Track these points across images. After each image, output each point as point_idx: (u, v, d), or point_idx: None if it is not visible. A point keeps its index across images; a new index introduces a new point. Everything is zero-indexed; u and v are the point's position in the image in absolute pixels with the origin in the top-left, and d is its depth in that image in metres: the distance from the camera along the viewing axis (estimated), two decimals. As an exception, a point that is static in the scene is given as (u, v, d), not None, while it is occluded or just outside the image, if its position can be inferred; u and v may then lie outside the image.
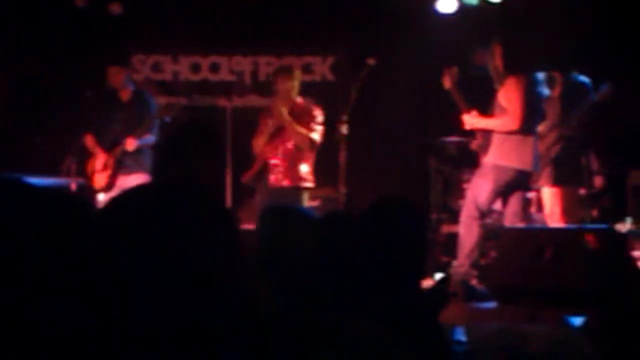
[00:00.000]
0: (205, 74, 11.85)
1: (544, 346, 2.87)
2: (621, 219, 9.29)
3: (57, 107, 10.70)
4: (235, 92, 10.76)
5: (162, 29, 11.44)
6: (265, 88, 11.72)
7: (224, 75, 11.82)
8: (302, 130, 8.90)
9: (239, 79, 11.74)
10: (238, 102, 11.19)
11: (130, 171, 9.32)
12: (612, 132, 10.14)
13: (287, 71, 9.32)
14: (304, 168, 9.00)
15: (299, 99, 9.14)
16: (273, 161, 9.07)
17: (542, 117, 8.49)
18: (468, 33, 9.93)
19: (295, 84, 9.10)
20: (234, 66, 11.84)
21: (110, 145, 9.33)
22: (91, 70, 10.14)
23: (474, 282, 7.77)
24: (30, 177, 1.66)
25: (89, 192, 9.38)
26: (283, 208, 3.93)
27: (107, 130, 9.41)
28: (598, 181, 9.73)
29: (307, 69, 11.57)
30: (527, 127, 8.07)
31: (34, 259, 1.53)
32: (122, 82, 9.45)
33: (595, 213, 9.57)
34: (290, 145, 9.01)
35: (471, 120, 8.35)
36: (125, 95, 9.49)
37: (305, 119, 9.00)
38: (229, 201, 9.94)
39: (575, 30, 9.96)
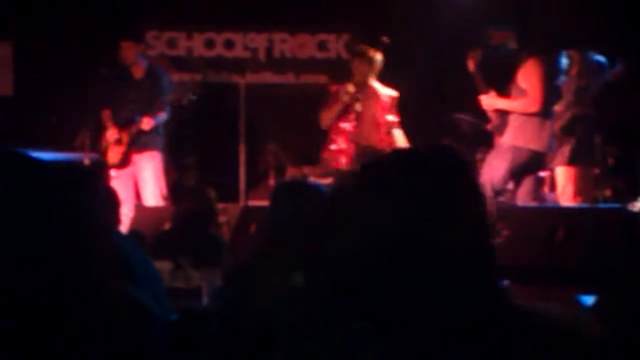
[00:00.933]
0: (219, 50, 11.83)
1: (555, 324, 2.86)
2: (634, 199, 9.26)
3: (72, 83, 10.71)
4: (250, 68, 10.74)
5: (177, 5, 11.43)
6: (279, 65, 11.72)
7: (238, 52, 11.80)
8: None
9: (253, 56, 11.73)
10: (252, 78, 11.18)
11: (143, 148, 9.34)
12: (626, 112, 10.09)
13: (363, 54, 9.06)
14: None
15: (378, 85, 9.09)
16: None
17: (558, 97, 8.46)
18: (483, 13, 9.89)
19: (372, 68, 9.00)
20: (248, 42, 11.83)
21: (125, 121, 9.33)
22: (105, 46, 10.14)
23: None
24: (43, 152, 1.64)
25: (101, 166, 9.39)
26: (300, 183, 3.93)
27: (121, 106, 9.41)
28: (610, 161, 9.70)
29: (321, 47, 11.56)
30: (546, 109, 8.05)
31: (32, 230, 1.53)
32: (134, 57, 9.44)
33: (608, 193, 9.55)
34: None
35: (489, 100, 8.33)
36: (138, 71, 9.48)
37: (378, 106, 8.98)
38: (242, 179, 9.95)
39: (592, 9, 9.92)
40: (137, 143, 9.34)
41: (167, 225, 7.49)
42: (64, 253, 1.53)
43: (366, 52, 9.02)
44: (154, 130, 9.35)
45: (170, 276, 5.61)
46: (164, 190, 9.41)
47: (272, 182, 9.80)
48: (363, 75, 8.90)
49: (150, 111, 9.27)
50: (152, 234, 7.30)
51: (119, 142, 9.34)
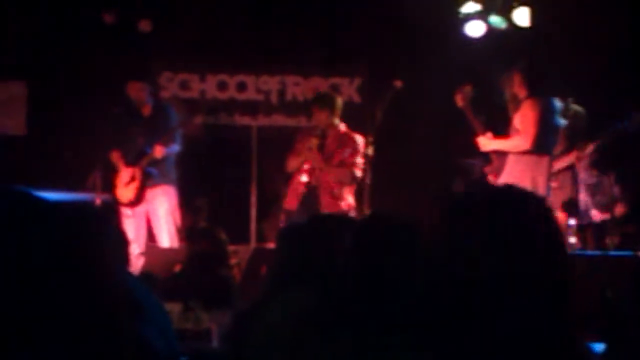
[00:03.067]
0: (232, 93, 11.86)
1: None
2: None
3: (84, 122, 10.75)
4: (262, 111, 10.77)
5: (190, 48, 11.48)
6: (291, 108, 11.75)
7: (251, 94, 11.84)
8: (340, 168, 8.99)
9: (266, 99, 11.77)
10: (264, 121, 11.22)
11: (156, 183, 9.36)
12: (634, 159, 10.09)
13: (321, 101, 9.41)
14: (348, 199, 9.05)
15: (342, 127, 9.20)
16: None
17: (557, 141, 8.46)
18: (494, 57, 9.93)
19: (333, 112, 9.17)
20: (260, 85, 11.86)
21: (136, 156, 9.37)
22: (118, 86, 10.20)
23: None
24: (55, 192, 1.64)
25: (112, 207, 9.40)
26: (302, 226, 3.92)
27: (131, 144, 9.45)
28: (620, 208, 9.67)
29: (333, 90, 11.60)
30: (540, 148, 8.03)
31: (35, 269, 1.53)
32: (144, 97, 9.50)
33: (617, 240, 9.52)
34: (330, 178, 9.04)
35: (486, 141, 8.35)
36: (147, 109, 9.54)
37: (346, 149, 9.06)
38: (252, 221, 9.96)
39: (598, 61, 9.99)
40: (151, 178, 9.37)
41: (178, 267, 7.50)
42: (72, 294, 1.54)
43: (324, 99, 9.43)
44: (167, 164, 9.41)
45: (180, 318, 5.60)
46: (179, 225, 9.42)
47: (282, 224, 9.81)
48: (324, 121, 9.09)
49: (160, 141, 9.35)
50: (164, 275, 7.31)
51: (132, 179, 9.36)
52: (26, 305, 1.49)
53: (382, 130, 9.19)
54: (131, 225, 9.29)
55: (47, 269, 1.52)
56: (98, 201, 9.25)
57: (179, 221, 9.41)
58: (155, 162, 9.34)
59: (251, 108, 11.32)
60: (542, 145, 8.05)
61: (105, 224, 3.93)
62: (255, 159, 9.90)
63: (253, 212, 10.01)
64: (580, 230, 9.16)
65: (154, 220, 9.38)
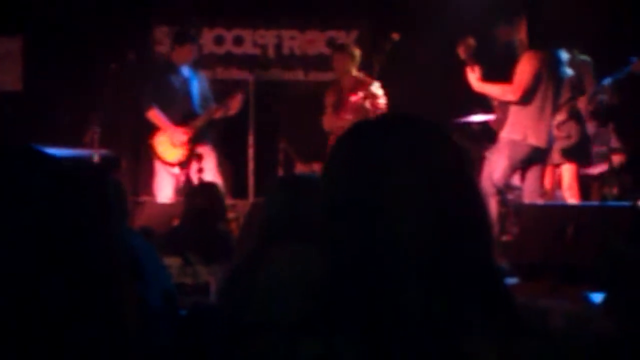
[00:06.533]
0: (228, 47, 11.82)
1: (563, 322, 2.86)
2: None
3: (82, 78, 10.70)
4: (259, 65, 10.73)
5: (186, 2, 11.42)
6: (288, 61, 11.70)
7: (248, 49, 11.79)
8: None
9: (263, 52, 11.72)
10: (261, 75, 11.19)
11: (205, 142, 9.55)
12: (632, 108, 10.07)
13: (342, 49, 9.73)
14: None
15: (359, 74, 9.45)
16: None
17: (560, 93, 8.43)
18: (494, 8, 9.86)
19: (353, 60, 9.42)
20: (257, 39, 11.81)
21: (185, 118, 9.41)
22: (115, 41, 10.15)
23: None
24: (52, 148, 1.63)
25: (111, 162, 9.40)
26: (301, 176, 3.91)
27: (171, 103, 9.47)
28: (617, 158, 9.67)
29: (330, 44, 11.54)
30: (528, 101, 8.01)
31: (43, 226, 1.52)
32: (189, 58, 9.64)
33: (615, 190, 9.53)
34: (350, 118, 9.18)
35: (473, 78, 8.31)
36: (187, 70, 9.57)
37: (360, 92, 9.25)
38: (250, 175, 9.95)
39: (604, 9, 9.93)
40: (199, 138, 9.46)
41: (176, 222, 7.50)
42: (73, 248, 1.53)
43: (347, 47, 9.82)
44: (211, 124, 9.55)
45: (178, 272, 5.62)
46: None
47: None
48: (345, 69, 9.41)
49: (207, 105, 9.54)
50: (162, 230, 7.31)
51: (183, 139, 9.37)
52: (27, 262, 1.49)
53: (380, 84, 9.18)
54: (171, 184, 9.47)
55: (52, 225, 1.52)
56: (97, 158, 9.24)
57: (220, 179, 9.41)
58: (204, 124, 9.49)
59: (248, 62, 11.26)
60: (531, 99, 8.03)
61: (104, 181, 3.91)
62: (252, 114, 9.85)
63: (251, 167, 9.98)
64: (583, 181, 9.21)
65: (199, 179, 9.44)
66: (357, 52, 9.55)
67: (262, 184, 10.09)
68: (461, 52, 8.50)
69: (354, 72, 9.52)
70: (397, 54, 9.32)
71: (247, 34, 11.81)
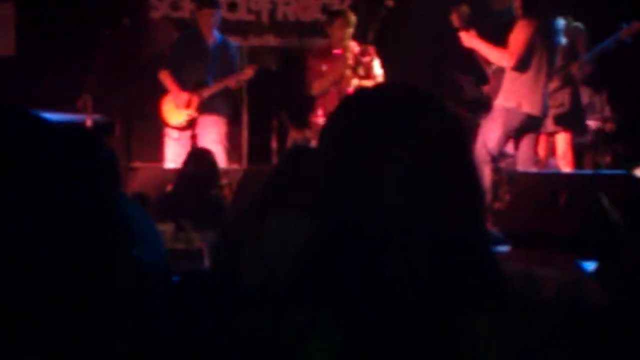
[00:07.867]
0: (223, 13, 11.77)
1: (555, 289, 2.87)
2: (637, 165, 9.26)
3: (75, 44, 10.67)
4: (252, 31, 10.69)
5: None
6: (282, 28, 11.66)
7: (242, 15, 11.74)
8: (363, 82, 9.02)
9: (257, 18, 11.67)
10: (255, 41, 11.14)
11: (209, 112, 9.45)
12: (626, 76, 10.06)
13: (343, 15, 9.41)
14: None
15: (354, 44, 9.22)
16: None
17: (555, 61, 8.43)
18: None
19: (348, 26, 9.16)
20: (251, 6, 11.76)
21: (195, 85, 9.38)
22: (109, 8, 10.11)
23: (487, 225, 7.77)
24: (44, 112, 1.62)
25: (106, 127, 9.40)
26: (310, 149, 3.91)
27: (188, 70, 9.48)
28: (610, 126, 9.69)
29: (324, 9, 11.49)
30: (522, 67, 8.01)
31: (33, 187, 1.52)
32: (212, 24, 9.60)
33: (608, 159, 9.55)
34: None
35: (467, 37, 8.30)
36: (211, 39, 9.55)
37: (362, 66, 9.11)
38: (244, 142, 9.94)
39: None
40: (206, 107, 9.44)
41: (169, 187, 7.50)
42: (64, 211, 1.53)
43: (342, 12, 9.52)
44: (225, 95, 9.50)
45: (171, 238, 5.63)
46: (229, 151, 9.51)
47: (274, 145, 9.81)
48: (339, 35, 9.02)
49: (224, 76, 9.47)
50: (155, 195, 7.31)
51: (187, 105, 9.37)
52: (24, 227, 1.48)
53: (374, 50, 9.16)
54: (173, 147, 9.44)
55: (47, 187, 1.51)
56: (89, 123, 9.23)
57: (223, 153, 9.36)
58: (212, 94, 9.43)
59: (242, 28, 11.22)
60: (526, 66, 8.03)
61: (98, 146, 3.91)
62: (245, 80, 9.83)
63: (244, 133, 9.99)
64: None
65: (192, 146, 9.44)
66: (353, 18, 9.35)
67: (254, 151, 10.10)
68: (455, 20, 8.48)
69: (348, 39, 9.34)
70: (392, 21, 9.28)
71: (241, 0, 11.76)
